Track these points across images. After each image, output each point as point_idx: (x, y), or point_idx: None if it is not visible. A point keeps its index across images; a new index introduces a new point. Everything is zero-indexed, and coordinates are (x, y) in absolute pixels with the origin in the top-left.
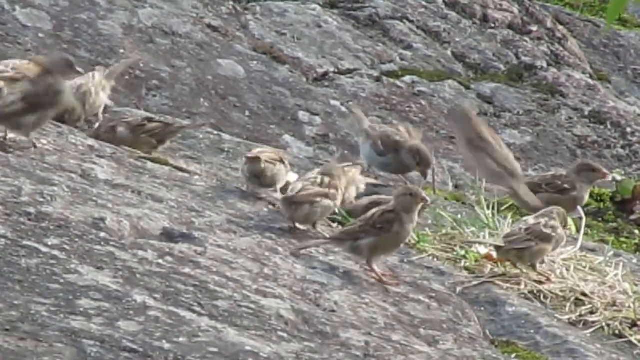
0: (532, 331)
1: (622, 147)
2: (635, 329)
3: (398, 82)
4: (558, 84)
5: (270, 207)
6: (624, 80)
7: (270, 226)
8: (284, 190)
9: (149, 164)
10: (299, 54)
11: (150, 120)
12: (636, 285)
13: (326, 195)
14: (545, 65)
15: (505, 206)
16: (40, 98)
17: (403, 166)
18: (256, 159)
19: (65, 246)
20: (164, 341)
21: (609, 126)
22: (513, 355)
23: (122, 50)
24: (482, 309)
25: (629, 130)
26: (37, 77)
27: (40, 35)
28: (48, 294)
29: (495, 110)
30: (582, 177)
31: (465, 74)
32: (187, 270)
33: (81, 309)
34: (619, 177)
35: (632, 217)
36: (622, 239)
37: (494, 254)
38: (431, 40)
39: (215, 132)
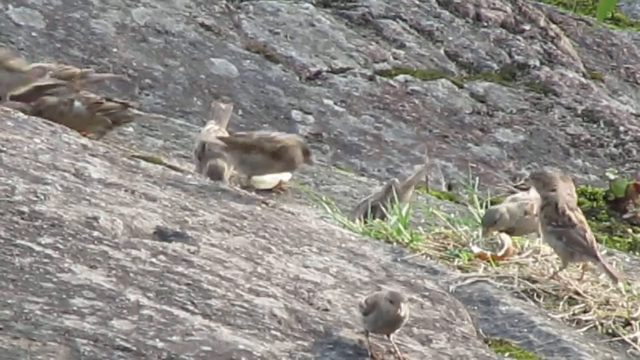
0: (525, 330)
1: (615, 146)
2: (628, 327)
3: (391, 81)
4: (551, 83)
5: (264, 205)
6: (617, 79)
7: (264, 225)
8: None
9: (142, 163)
10: (292, 53)
11: (108, 99)
12: (629, 284)
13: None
14: (538, 64)
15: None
16: None
17: None
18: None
19: (59, 245)
20: (157, 340)
21: (602, 125)
22: (506, 354)
23: (115, 49)
24: (476, 307)
25: (621, 129)
26: None
27: (33, 34)
28: (41, 292)
29: (489, 109)
30: None
31: (458, 73)
32: (180, 269)
33: (74, 308)
34: (612, 176)
35: (625, 215)
36: (616, 238)
37: (488, 253)
38: (424, 39)
39: None
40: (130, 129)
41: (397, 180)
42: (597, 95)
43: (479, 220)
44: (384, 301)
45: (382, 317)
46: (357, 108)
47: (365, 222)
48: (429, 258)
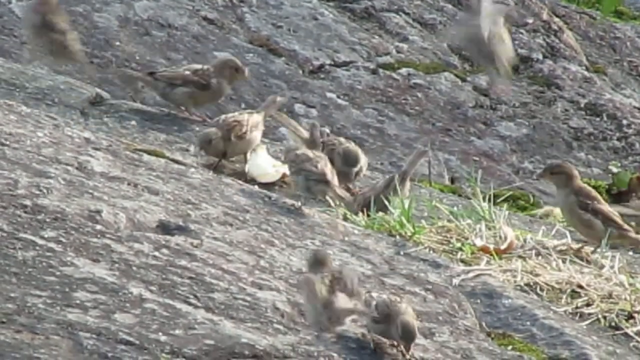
0: (528, 323)
1: (618, 139)
2: (631, 320)
3: (394, 75)
4: (554, 76)
5: (267, 198)
6: (620, 72)
7: (267, 218)
8: None
9: (145, 156)
10: (295, 47)
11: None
12: (632, 277)
13: None
14: (541, 57)
15: (501, 198)
16: None
17: None
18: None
19: (62, 239)
20: (160, 333)
21: (605, 118)
22: (509, 348)
23: (117, 43)
24: (479, 301)
25: (624, 122)
26: None
27: None
28: (44, 286)
29: (491, 102)
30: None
31: (461, 66)
32: (183, 262)
33: (77, 302)
34: (615, 170)
35: None
36: None
37: (490, 246)
38: (427, 33)
39: None
40: (133, 122)
41: (397, 176)
42: (600, 89)
43: (482, 214)
44: (396, 329)
45: (391, 336)
46: (360, 101)
47: (369, 216)
48: (431, 251)
